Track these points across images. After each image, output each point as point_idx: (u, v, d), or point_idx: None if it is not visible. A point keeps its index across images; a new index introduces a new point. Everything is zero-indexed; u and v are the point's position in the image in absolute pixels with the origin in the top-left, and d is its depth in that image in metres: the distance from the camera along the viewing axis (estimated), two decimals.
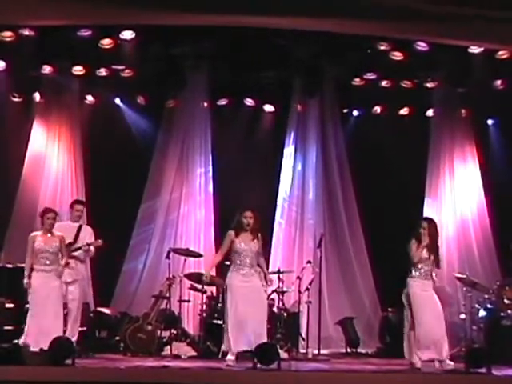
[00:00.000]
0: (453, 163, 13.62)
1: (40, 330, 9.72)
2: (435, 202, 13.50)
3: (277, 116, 14.03)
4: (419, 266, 10.03)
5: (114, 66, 13.02)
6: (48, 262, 10.04)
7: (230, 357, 9.83)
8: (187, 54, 12.96)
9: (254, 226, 10.02)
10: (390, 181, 13.42)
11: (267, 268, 10.58)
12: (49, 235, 10.14)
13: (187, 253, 12.21)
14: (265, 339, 9.72)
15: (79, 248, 10.86)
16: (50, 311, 9.88)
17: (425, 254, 10.06)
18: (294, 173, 13.63)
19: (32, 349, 9.53)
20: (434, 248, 10.13)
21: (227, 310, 9.90)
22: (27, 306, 10.39)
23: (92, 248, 10.99)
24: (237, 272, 9.97)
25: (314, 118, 13.69)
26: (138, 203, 13.38)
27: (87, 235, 11.09)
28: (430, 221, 10.36)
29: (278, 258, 13.24)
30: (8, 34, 11.96)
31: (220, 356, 10.59)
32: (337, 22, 10.96)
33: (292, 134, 13.67)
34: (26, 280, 10.09)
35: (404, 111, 14.12)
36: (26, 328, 9.87)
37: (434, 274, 10.15)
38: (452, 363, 9.88)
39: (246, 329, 9.72)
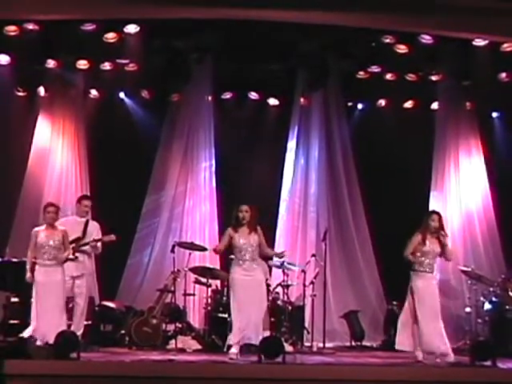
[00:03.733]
0: (458, 156, 13.60)
1: (44, 324, 9.73)
2: (441, 195, 13.49)
3: (281, 109, 14.02)
4: (422, 258, 10.03)
5: (118, 60, 13.00)
6: (50, 257, 10.04)
7: (233, 350, 9.88)
8: (191, 47, 12.94)
9: (250, 220, 10.08)
10: (394, 173, 13.40)
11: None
12: (51, 230, 10.16)
13: (192, 246, 12.21)
14: (263, 331, 9.82)
15: (87, 243, 10.88)
16: (53, 305, 9.89)
17: (427, 247, 10.04)
18: (297, 166, 13.62)
19: (37, 343, 9.56)
20: (440, 241, 10.13)
21: (231, 304, 9.99)
22: (32, 300, 10.41)
23: (99, 244, 11.01)
24: (238, 266, 10.07)
25: (319, 112, 13.68)
26: (142, 197, 13.39)
27: (94, 230, 11.11)
28: (438, 213, 10.37)
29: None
30: (12, 28, 11.98)
31: (225, 349, 10.61)
32: (341, 15, 10.97)
33: (296, 128, 13.65)
34: (28, 274, 10.12)
35: (408, 104, 14.10)
36: (31, 323, 9.89)
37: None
38: (452, 355, 9.89)
39: (248, 321, 9.78)
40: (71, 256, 10.31)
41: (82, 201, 11.32)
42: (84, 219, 11.15)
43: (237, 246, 10.06)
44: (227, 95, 14.01)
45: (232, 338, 9.97)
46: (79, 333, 10.26)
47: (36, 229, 10.23)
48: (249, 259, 10.03)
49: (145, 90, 13.73)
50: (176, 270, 11.81)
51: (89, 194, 12.71)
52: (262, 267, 10.32)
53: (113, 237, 10.97)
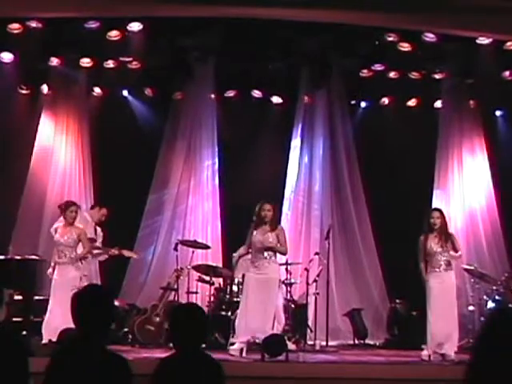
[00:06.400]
0: (461, 154, 13.58)
1: (54, 320, 9.75)
2: (444, 193, 13.48)
3: (284, 107, 14.00)
4: (433, 259, 10.05)
5: (121, 58, 12.99)
6: (65, 255, 10.10)
7: (234, 347, 9.89)
8: (195, 45, 12.93)
9: (272, 219, 10.12)
10: (398, 172, 13.39)
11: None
12: (68, 227, 10.22)
13: (195, 244, 12.22)
14: (271, 330, 9.81)
15: (106, 252, 11.20)
16: (65, 303, 9.87)
17: (434, 246, 10.06)
18: (301, 164, 13.61)
19: (43, 341, 9.57)
20: (446, 237, 10.21)
21: (241, 301, 10.07)
22: (36, 297, 10.43)
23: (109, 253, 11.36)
24: (252, 263, 10.13)
25: (322, 110, 13.66)
26: (145, 195, 13.38)
27: (99, 238, 11.54)
28: (439, 210, 10.44)
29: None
30: (16, 26, 11.97)
31: (228, 347, 10.63)
32: (344, 13, 10.97)
33: (299, 126, 13.64)
34: (49, 270, 10.32)
35: (412, 102, 14.08)
36: (45, 323, 9.89)
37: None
38: (453, 355, 9.89)
39: (253, 319, 9.79)
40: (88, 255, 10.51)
41: (102, 209, 11.65)
42: (91, 221, 11.49)
43: (253, 243, 10.10)
44: (230, 93, 14.00)
45: (237, 337, 9.98)
46: None
47: (55, 225, 10.36)
48: (262, 257, 10.05)
49: (148, 87, 13.73)
50: (179, 268, 11.83)
51: (92, 191, 12.87)
52: (276, 266, 10.33)
53: (136, 256, 11.72)
